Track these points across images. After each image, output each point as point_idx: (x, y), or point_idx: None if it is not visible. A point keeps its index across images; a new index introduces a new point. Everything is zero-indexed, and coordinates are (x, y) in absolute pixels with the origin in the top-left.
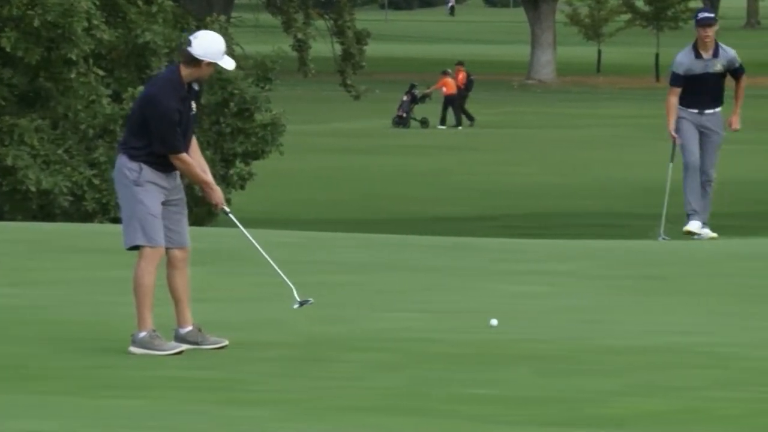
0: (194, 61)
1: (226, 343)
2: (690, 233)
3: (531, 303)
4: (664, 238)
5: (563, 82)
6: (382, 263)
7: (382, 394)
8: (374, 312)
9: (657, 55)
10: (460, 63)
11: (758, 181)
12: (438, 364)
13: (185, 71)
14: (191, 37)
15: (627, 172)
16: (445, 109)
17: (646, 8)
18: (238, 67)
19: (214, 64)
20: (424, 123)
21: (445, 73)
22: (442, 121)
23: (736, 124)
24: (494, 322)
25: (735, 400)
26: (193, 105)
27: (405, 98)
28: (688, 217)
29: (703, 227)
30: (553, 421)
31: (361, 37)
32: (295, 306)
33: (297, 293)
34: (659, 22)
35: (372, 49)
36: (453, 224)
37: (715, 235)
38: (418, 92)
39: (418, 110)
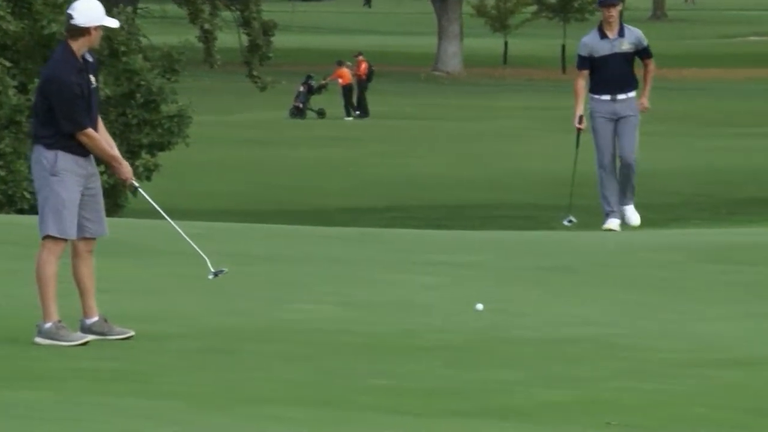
0: (82, 32)
1: (132, 333)
2: (610, 230)
3: (437, 294)
4: (570, 221)
5: (470, 73)
6: (288, 254)
7: (287, 385)
8: (279, 303)
9: (563, 47)
10: (359, 54)
11: (667, 173)
12: (343, 355)
13: (76, 44)
14: (69, 11)
15: (533, 164)
16: (347, 99)
17: (553, 0)
18: (144, 58)
19: (102, 27)
20: (320, 113)
21: (340, 64)
22: (349, 113)
23: (646, 103)
24: (480, 306)
25: (638, 390)
26: (93, 79)
27: (301, 89)
28: (606, 216)
29: (626, 204)
30: (458, 412)
31: (267, 29)
32: (210, 276)
33: (211, 264)
34: (565, 13)
35: (280, 40)
36: (359, 215)
37: (636, 217)
38: (314, 83)
39: (315, 101)
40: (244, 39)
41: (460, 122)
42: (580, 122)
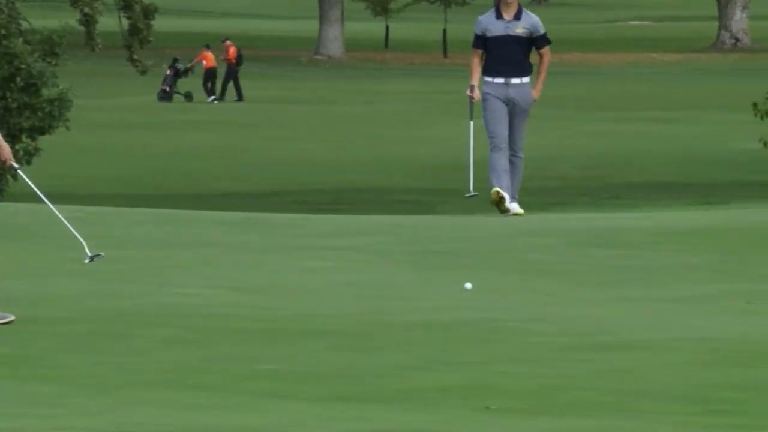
0: None
1: (13, 318)
2: (500, 199)
3: (321, 278)
4: (472, 194)
5: (352, 57)
6: (172, 239)
7: (172, 369)
8: (164, 287)
9: (444, 31)
10: (226, 39)
11: (548, 157)
12: (228, 340)
13: None
14: None
15: (416, 148)
16: (207, 81)
17: None
18: (25, 41)
19: None
20: (187, 97)
21: (207, 47)
22: (210, 94)
23: (536, 95)
24: (468, 285)
25: (522, 375)
26: None
27: (168, 72)
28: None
29: (511, 202)
30: (342, 396)
31: (148, 12)
32: (86, 261)
33: (88, 248)
34: None
35: (164, 24)
36: (243, 200)
37: (522, 211)
38: (180, 66)
39: (182, 84)
40: (125, 23)
41: (342, 106)
42: (471, 91)
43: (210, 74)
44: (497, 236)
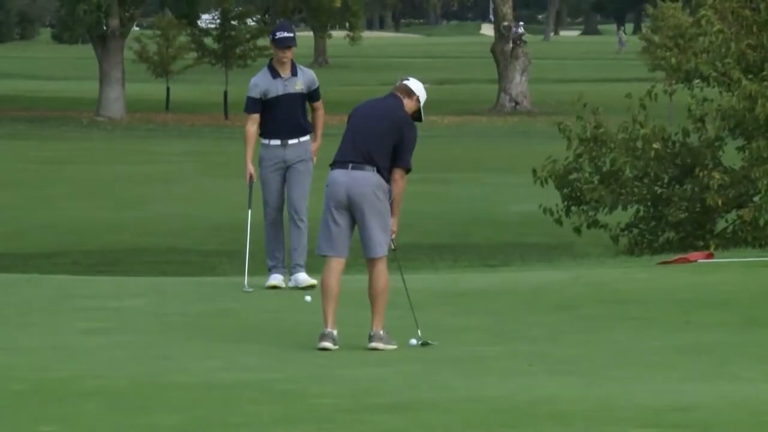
0: None
1: None
2: (275, 287)
3: (97, 339)
4: (247, 290)
5: (132, 118)
6: None
7: None
8: None
9: (226, 93)
10: None
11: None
12: (5, 401)
13: None
14: None
15: (194, 209)
16: None
17: (215, 46)
18: None
19: None
20: None
21: None
22: None
23: (315, 147)
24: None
25: None
26: None
27: None
28: (270, 272)
29: (298, 273)
30: None
31: None
32: None
33: None
34: (227, 59)
35: None
36: (20, 261)
37: (313, 282)
38: None
39: None
40: None
41: (122, 167)
42: (250, 179)
43: None
44: (266, 296)
